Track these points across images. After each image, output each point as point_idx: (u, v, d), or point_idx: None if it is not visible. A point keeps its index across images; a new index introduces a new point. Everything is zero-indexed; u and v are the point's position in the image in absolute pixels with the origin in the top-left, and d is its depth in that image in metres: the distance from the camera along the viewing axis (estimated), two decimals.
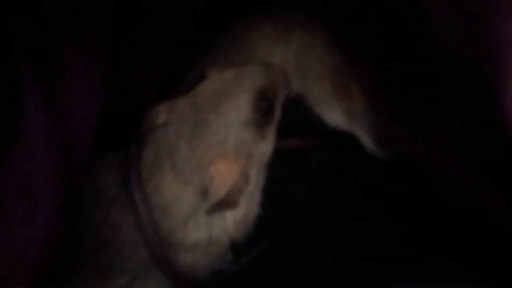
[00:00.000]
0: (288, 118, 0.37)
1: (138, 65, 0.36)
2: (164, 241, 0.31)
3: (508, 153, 0.26)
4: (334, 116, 0.39)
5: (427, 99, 0.29)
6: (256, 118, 0.33)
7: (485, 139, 0.27)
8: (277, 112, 0.35)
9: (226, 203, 0.31)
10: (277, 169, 0.36)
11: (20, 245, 0.26)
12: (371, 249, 0.33)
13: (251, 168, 0.33)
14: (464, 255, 0.32)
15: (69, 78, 0.27)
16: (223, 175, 0.31)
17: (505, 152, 0.26)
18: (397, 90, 0.32)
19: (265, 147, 0.34)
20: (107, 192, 0.32)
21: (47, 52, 0.27)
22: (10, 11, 0.26)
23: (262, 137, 0.34)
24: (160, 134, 0.33)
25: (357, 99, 0.37)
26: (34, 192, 0.26)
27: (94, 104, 0.28)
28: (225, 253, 0.34)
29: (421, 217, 0.35)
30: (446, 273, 0.30)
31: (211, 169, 0.31)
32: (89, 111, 0.28)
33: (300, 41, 0.40)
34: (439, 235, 0.34)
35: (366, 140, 0.38)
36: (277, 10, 0.41)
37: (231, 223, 0.33)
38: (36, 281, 0.26)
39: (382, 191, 0.36)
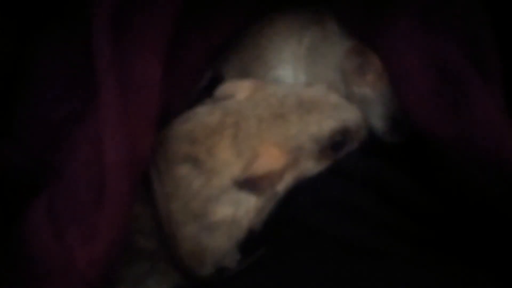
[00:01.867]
0: None
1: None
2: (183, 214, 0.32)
3: None
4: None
5: None
6: (326, 143, 0.35)
7: None
8: (340, 154, 0.36)
9: (258, 184, 0.32)
10: None
11: (80, 267, 0.26)
12: (381, 250, 0.32)
13: (290, 172, 0.34)
14: (480, 260, 0.31)
15: (142, 57, 0.30)
16: (271, 158, 0.32)
17: None
18: None
19: (312, 169, 0.35)
20: None
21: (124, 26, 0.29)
22: None
23: (316, 159, 0.35)
24: (234, 104, 0.34)
25: (370, 83, 0.37)
26: (95, 207, 0.27)
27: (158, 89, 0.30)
28: (241, 240, 0.34)
29: (435, 219, 0.34)
30: (457, 277, 0.30)
31: (264, 148, 0.32)
32: (154, 97, 0.30)
33: (312, 36, 0.40)
34: (454, 238, 0.34)
35: (378, 124, 0.38)
36: (290, 7, 0.41)
37: (254, 209, 0.33)
38: None
39: (394, 191, 0.36)
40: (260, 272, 0.32)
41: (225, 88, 0.36)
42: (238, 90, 0.35)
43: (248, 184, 0.32)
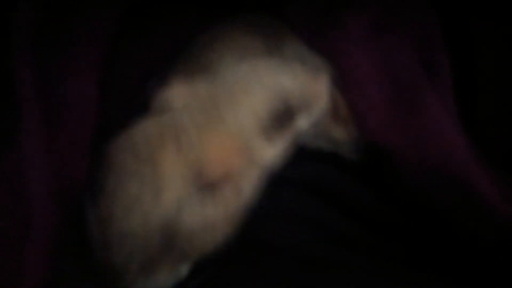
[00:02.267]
0: None
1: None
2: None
3: None
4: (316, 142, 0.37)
5: None
6: (268, 119, 0.32)
7: None
8: (299, 124, 0.33)
9: (215, 185, 0.30)
10: None
11: None
12: (339, 262, 0.32)
13: (248, 166, 0.32)
14: (438, 268, 0.32)
15: (70, 70, 0.27)
16: (221, 161, 0.30)
17: None
18: None
19: (270, 152, 0.32)
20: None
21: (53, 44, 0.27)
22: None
23: (269, 141, 0.32)
24: (171, 116, 0.32)
25: (343, 125, 0.35)
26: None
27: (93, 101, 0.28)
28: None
29: (393, 230, 0.34)
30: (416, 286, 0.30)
31: (211, 154, 0.30)
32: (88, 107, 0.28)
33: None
34: (413, 248, 0.34)
35: (348, 155, 0.37)
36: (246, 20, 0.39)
37: (223, 218, 0.32)
38: None
39: (351, 202, 0.35)
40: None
41: (161, 97, 0.33)
42: (172, 97, 0.33)
43: (207, 189, 0.30)
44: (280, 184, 0.35)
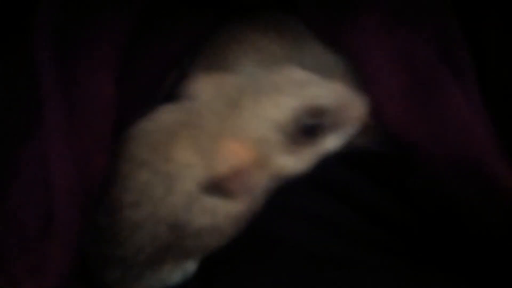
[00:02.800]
0: None
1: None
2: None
3: None
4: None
5: None
6: (293, 129, 0.29)
7: None
8: (328, 144, 0.31)
9: (226, 185, 0.29)
10: None
11: None
12: (347, 258, 0.32)
13: (261, 171, 0.30)
14: (450, 267, 0.31)
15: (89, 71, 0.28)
16: (231, 154, 0.29)
17: None
18: None
19: (289, 163, 0.31)
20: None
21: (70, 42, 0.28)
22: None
23: (290, 152, 0.30)
24: (193, 104, 0.31)
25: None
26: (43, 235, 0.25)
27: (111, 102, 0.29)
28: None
29: (402, 226, 0.34)
30: (424, 285, 0.29)
31: (223, 144, 0.29)
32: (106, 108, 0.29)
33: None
34: (423, 246, 0.33)
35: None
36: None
37: (234, 215, 0.31)
38: None
39: (360, 198, 0.35)
40: (224, 283, 0.32)
41: (187, 87, 0.33)
42: (200, 88, 0.32)
43: (216, 187, 0.29)
44: (293, 182, 0.35)
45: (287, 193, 0.34)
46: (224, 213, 0.30)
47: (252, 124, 0.29)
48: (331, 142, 0.31)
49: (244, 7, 0.39)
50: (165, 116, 0.32)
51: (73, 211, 0.26)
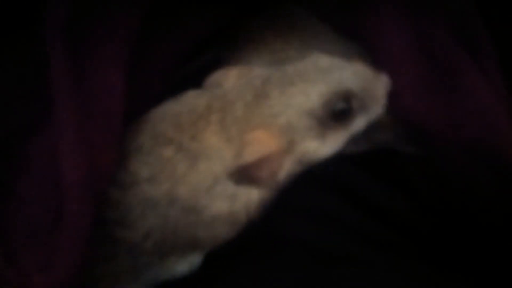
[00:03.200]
0: None
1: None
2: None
3: None
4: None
5: None
6: (322, 114, 0.30)
7: None
8: (356, 125, 0.31)
9: (255, 174, 0.29)
10: None
11: None
12: (352, 256, 0.32)
13: (289, 158, 0.30)
14: (454, 265, 0.31)
15: (100, 66, 0.28)
16: (260, 142, 0.29)
17: None
18: None
19: (317, 148, 0.31)
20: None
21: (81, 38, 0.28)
22: None
23: (319, 137, 0.30)
24: (221, 90, 0.31)
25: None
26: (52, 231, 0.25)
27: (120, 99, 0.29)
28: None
29: (407, 224, 0.34)
30: (429, 283, 0.29)
31: (251, 133, 0.29)
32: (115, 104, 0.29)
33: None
34: (427, 243, 0.33)
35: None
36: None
37: (255, 203, 0.31)
38: None
39: (365, 196, 0.35)
40: (229, 281, 0.32)
41: (214, 77, 0.33)
42: (225, 78, 0.32)
43: (245, 175, 0.29)
44: (300, 179, 0.34)
45: (294, 192, 0.34)
46: (244, 201, 0.30)
47: (280, 112, 0.29)
48: (359, 124, 0.31)
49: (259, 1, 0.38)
50: (194, 99, 0.31)
51: (84, 205, 0.26)
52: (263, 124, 0.29)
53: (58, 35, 0.27)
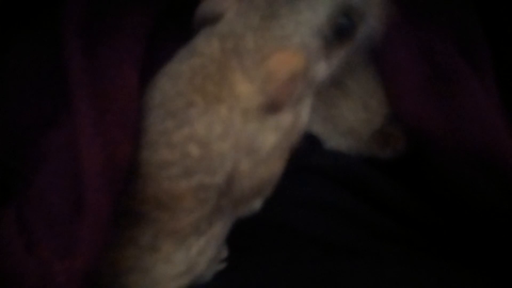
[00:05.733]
0: None
1: None
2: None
3: None
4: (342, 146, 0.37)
5: None
6: (328, 31, 0.30)
7: None
8: (355, 41, 0.31)
9: (281, 96, 0.29)
10: None
11: (60, 282, 0.25)
12: (358, 248, 0.33)
13: (303, 79, 0.30)
14: (460, 257, 0.32)
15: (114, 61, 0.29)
16: (284, 64, 0.29)
17: None
18: None
19: (322, 69, 0.31)
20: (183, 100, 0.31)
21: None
22: None
23: (324, 56, 0.30)
24: (226, 25, 0.31)
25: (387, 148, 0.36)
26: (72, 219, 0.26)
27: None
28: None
29: (412, 218, 0.35)
30: (435, 276, 0.30)
31: (272, 59, 0.29)
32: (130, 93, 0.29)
33: None
34: (432, 237, 0.34)
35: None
36: None
37: (289, 125, 0.31)
38: None
39: (372, 190, 0.36)
40: (238, 272, 0.33)
41: (208, 5, 0.32)
42: (223, 4, 0.31)
43: (271, 104, 0.29)
44: (310, 173, 0.36)
45: (307, 187, 0.36)
46: (282, 126, 0.31)
47: (294, 30, 0.29)
48: (360, 35, 0.31)
49: None
50: (210, 47, 0.31)
51: (103, 195, 0.26)
52: (279, 47, 0.29)
53: (74, 32, 0.28)
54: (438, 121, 0.33)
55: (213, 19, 0.31)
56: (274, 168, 0.32)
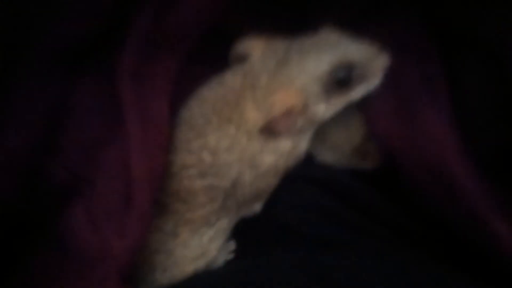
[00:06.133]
0: None
1: None
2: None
3: None
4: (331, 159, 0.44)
5: None
6: (328, 80, 0.34)
7: None
8: (354, 94, 0.36)
9: (275, 126, 0.35)
10: None
11: (116, 254, 0.32)
12: (344, 242, 0.38)
13: (301, 116, 0.35)
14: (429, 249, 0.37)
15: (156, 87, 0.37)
16: (282, 102, 0.34)
17: None
18: None
19: (321, 110, 0.36)
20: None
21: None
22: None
23: (324, 100, 0.35)
24: (250, 65, 0.37)
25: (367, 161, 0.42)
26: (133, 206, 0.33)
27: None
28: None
29: (390, 219, 0.40)
30: (406, 263, 0.35)
31: (274, 96, 0.34)
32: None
33: None
34: (405, 233, 0.39)
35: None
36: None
37: (286, 151, 0.37)
38: (123, 279, 0.32)
39: (357, 197, 0.41)
40: (244, 260, 0.39)
41: (241, 46, 0.38)
42: (252, 48, 0.37)
43: (271, 129, 0.35)
44: (304, 182, 0.43)
45: (303, 194, 0.42)
46: (281, 151, 0.37)
47: (298, 76, 0.34)
48: (358, 92, 0.36)
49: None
50: (234, 81, 0.37)
51: (146, 194, 0.34)
52: (283, 87, 0.34)
53: (127, 75, 0.37)
54: (403, 140, 0.38)
55: (243, 58, 0.38)
56: (270, 181, 0.39)
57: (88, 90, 0.38)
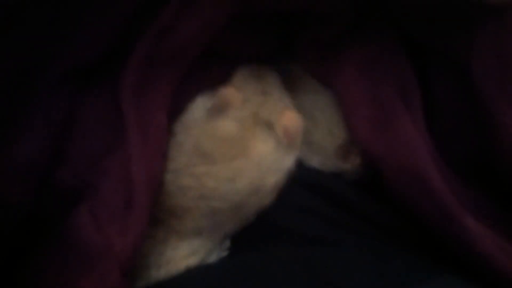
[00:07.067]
0: None
1: None
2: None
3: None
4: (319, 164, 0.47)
5: None
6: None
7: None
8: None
9: (288, 138, 0.40)
10: None
11: (117, 251, 0.34)
12: (334, 240, 0.41)
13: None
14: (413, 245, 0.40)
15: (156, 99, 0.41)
16: (291, 118, 0.41)
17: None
18: None
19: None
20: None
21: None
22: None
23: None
24: (234, 112, 0.41)
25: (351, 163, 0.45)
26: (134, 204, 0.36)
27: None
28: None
29: (378, 218, 0.43)
30: (391, 260, 0.37)
31: (281, 118, 0.40)
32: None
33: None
34: (392, 232, 0.42)
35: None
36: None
37: (287, 168, 0.42)
38: (123, 274, 0.34)
39: (345, 200, 0.44)
40: (236, 256, 0.41)
41: (224, 93, 0.42)
42: (232, 98, 0.42)
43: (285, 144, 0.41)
44: (296, 186, 0.45)
45: (293, 196, 0.44)
46: (283, 169, 0.42)
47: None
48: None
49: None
50: (227, 129, 0.41)
51: (145, 197, 0.37)
52: (282, 108, 0.42)
53: (129, 91, 0.40)
54: (381, 146, 0.41)
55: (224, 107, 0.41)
56: (272, 198, 0.43)
57: (94, 104, 0.41)
